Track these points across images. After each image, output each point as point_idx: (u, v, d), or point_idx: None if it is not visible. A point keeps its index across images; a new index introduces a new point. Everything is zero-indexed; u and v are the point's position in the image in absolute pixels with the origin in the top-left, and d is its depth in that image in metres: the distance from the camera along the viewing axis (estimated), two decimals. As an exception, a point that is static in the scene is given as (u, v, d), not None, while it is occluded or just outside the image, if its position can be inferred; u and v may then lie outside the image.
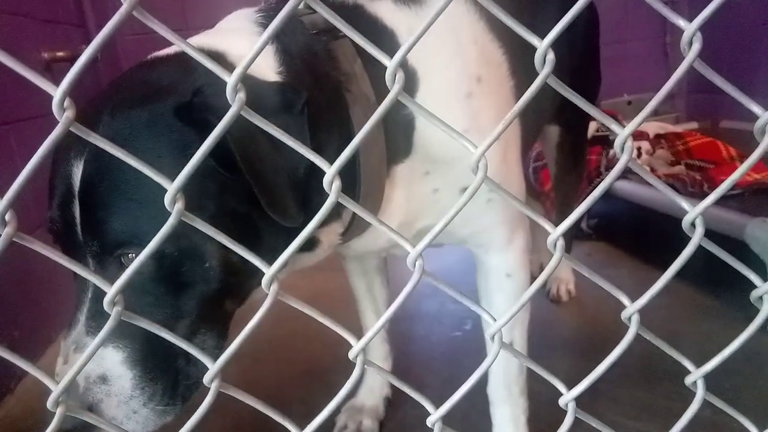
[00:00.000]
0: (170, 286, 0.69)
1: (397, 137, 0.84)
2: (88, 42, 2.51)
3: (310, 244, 0.83)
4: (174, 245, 0.67)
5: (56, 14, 2.24)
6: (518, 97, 1.03)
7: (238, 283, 0.74)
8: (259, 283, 0.43)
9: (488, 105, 0.90)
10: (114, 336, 0.68)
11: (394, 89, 0.40)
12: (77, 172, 0.68)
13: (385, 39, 0.84)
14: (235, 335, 0.46)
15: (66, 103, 0.37)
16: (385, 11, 0.86)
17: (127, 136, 0.68)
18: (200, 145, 0.39)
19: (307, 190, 0.71)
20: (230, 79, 0.38)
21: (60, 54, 2.04)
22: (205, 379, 0.44)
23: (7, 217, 0.38)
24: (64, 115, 0.37)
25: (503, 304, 1.03)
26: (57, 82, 0.37)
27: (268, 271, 0.42)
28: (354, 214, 0.83)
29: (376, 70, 0.80)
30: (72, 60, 2.08)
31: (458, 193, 0.88)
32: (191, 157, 0.39)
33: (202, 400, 0.45)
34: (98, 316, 0.69)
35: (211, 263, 0.69)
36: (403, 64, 0.81)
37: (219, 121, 0.39)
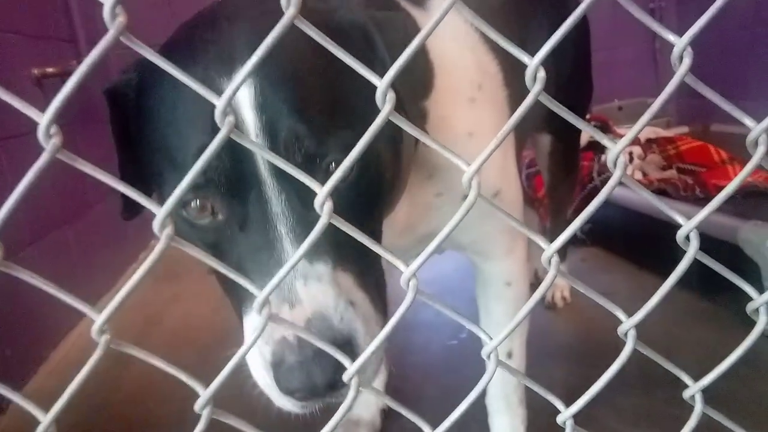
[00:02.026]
0: (364, 196, 0.64)
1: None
2: (78, 57, 2.50)
3: None
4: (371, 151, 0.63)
5: (46, 30, 2.24)
6: (512, 107, 1.04)
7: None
8: None
9: (489, 112, 0.90)
10: (338, 257, 0.58)
11: (385, 109, 0.39)
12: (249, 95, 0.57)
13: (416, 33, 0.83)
14: (229, 352, 0.46)
15: (52, 130, 0.37)
16: (409, 8, 0.86)
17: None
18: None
19: None
20: (219, 104, 0.37)
21: (50, 70, 2.03)
22: (197, 406, 0.43)
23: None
24: (50, 142, 0.36)
25: (502, 314, 1.03)
26: (48, 99, 0.36)
27: (260, 294, 0.42)
28: None
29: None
30: (62, 75, 2.07)
31: (460, 200, 0.87)
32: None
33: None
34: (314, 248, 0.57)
35: (388, 172, 0.67)
36: (423, 57, 0.81)
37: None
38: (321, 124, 0.58)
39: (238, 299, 0.63)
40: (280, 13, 0.37)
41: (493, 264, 1.01)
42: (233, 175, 0.58)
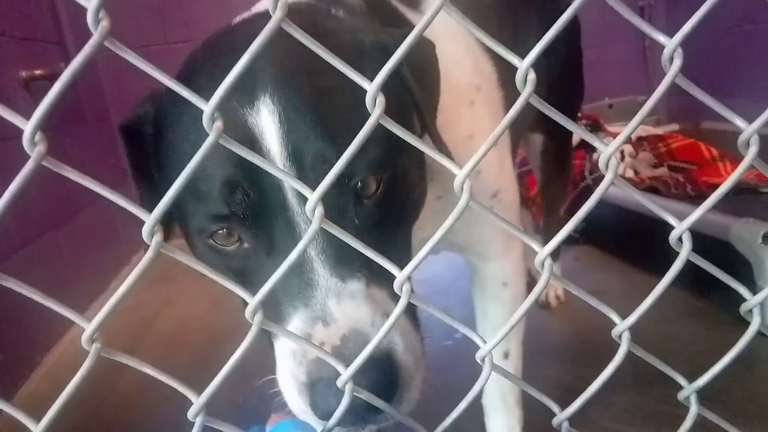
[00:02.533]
0: (391, 212, 0.63)
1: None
2: (66, 59, 2.48)
3: None
4: (399, 168, 0.62)
5: (34, 32, 2.22)
6: (506, 107, 1.04)
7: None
8: None
9: (486, 113, 0.91)
10: (370, 273, 0.57)
11: (376, 112, 0.39)
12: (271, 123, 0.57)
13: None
14: (223, 355, 0.45)
15: (37, 138, 0.36)
16: (404, 11, 0.87)
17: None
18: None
19: None
20: (207, 109, 0.37)
21: (38, 72, 2.02)
22: (190, 414, 0.43)
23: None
24: (35, 149, 0.36)
25: (500, 315, 1.03)
26: (36, 101, 0.36)
27: (252, 300, 0.41)
28: None
29: None
30: (50, 78, 2.05)
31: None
32: None
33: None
34: (343, 262, 0.57)
35: (415, 189, 0.68)
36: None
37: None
38: (345, 144, 0.58)
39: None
40: (296, 41, 0.37)
41: (490, 264, 1.01)
42: (258, 205, 0.57)
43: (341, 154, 0.40)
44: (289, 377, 0.58)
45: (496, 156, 0.93)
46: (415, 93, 0.64)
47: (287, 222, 0.57)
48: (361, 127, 0.58)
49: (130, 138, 0.70)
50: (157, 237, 0.38)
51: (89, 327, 0.39)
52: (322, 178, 0.55)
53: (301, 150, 0.56)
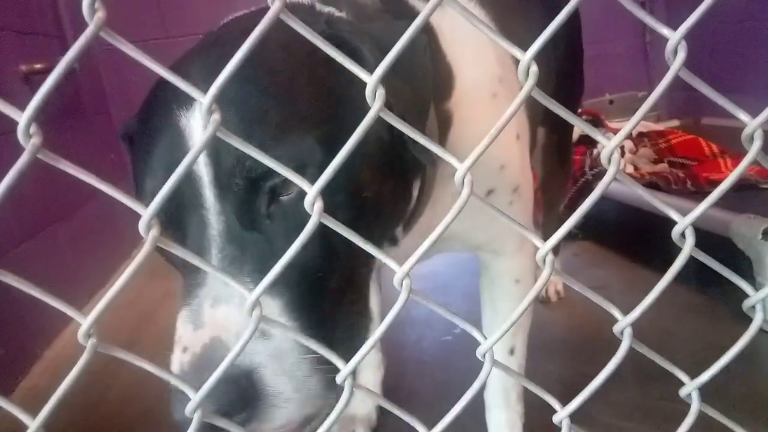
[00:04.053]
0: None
1: (431, 136, 0.80)
2: (65, 53, 2.47)
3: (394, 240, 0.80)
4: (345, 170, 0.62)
5: (33, 25, 2.21)
6: (529, 100, 1.03)
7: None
8: None
9: (508, 106, 0.90)
10: (266, 279, 0.58)
11: (375, 106, 0.39)
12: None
13: (431, 38, 0.81)
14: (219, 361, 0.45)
15: (32, 130, 0.36)
16: (420, 7, 0.85)
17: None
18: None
19: None
20: (204, 101, 0.36)
21: (38, 66, 2.01)
22: (187, 410, 0.43)
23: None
24: (30, 142, 0.35)
25: (509, 311, 1.02)
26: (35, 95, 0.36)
27: (250, 296, 0.41)
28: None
29: None
30: (50, 72, 2.04)
31: (483, 195, 0.86)
32: None
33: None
34: (236, 264, 0.56)
35: (367, 190, 0.64)
36: (441, 60, 0.80)
37: None
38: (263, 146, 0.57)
39: None
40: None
41: (504, 261, 0.99)
42: (177, 205, 0.59)
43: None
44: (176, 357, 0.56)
45: (520, 150, 0.92)
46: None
47: (200, 221, 0.58)
48: (285, 125, 0.58)
49: (129, 144, 0.72)
50: (154, 231, 0.38)
51: (85, 322, 0.38)
52: (236, 179, 0.56)
53: (220, 152, 0.56)
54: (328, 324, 0.59)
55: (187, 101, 0.58)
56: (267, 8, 0.36)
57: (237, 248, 0.56)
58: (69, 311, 0.40)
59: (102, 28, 0.33)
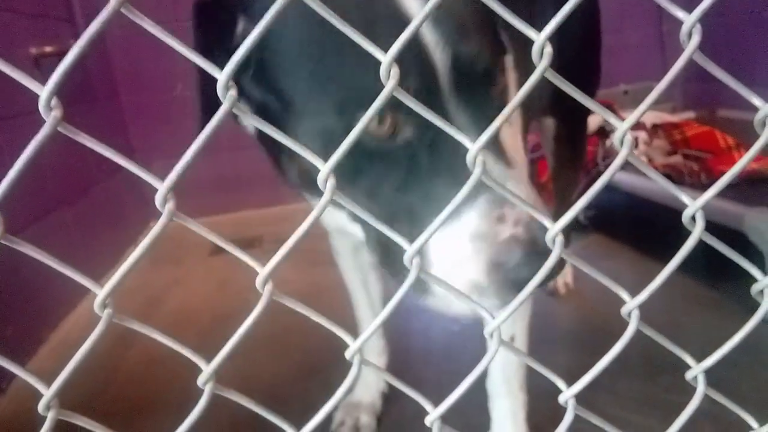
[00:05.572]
0: None
1: None
2: (76, 37, 2.46)
3: None
4: None
5: (44, 9, 2.22)
6: (517, 90, 1.02)
7: None
8: None
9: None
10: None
11: (389, 85, 0.39)
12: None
13: None
14: (230, 335, 0.46)
15: (53, 103, 0.36)
16: None
17: None
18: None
19: None
20: (221, 78, 0.37)
21: (48, 49, 2.02)
22: (199, 381, 0.44)
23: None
24: (51, 114, 0.36)
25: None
26: (46, 78, 0.36)
27: (262, 271, 0.42)
28: None
29: None
30: (60, 55, 2.05)
31: None
32: None
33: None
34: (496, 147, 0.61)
35: None
36: None
37: None
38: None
39: (415, 218, 0.61)
40: None
41: None
42: (422, 90, 0.57)
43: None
44: (474, 259, 0.56)
45: (510, 134, 0.92)
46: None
47: (443, 114, 0.56)
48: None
49: (208, 22, 0.69)
50: (170, 205, 0.39)
51: (102, 291, 0.39)
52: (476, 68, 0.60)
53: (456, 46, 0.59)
54: None
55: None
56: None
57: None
58: (85, 281, 0.41)
59: (124, 3, 0.34)
